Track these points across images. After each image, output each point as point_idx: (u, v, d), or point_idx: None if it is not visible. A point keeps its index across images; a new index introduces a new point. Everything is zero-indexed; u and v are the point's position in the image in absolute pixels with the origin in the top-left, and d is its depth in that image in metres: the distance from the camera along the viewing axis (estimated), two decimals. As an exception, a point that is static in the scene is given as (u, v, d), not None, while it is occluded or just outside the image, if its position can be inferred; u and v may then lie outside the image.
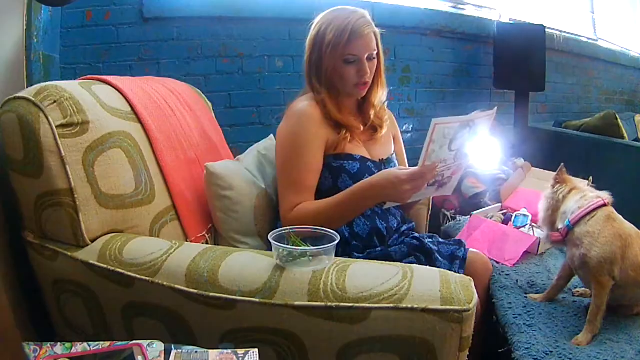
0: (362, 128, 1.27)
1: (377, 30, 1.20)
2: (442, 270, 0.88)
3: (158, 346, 0.72)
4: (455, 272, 0.98)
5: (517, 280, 1.25)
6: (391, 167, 1.27)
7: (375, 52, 1.19)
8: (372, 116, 1.28)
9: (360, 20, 1.15)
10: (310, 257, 0.86)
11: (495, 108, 1.06)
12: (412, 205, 1.44)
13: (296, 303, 0.80)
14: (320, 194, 1.18)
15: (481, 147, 1.12)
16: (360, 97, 1.25)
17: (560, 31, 3.19)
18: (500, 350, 1.05)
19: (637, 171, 2.27)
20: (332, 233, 0.91)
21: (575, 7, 3.59)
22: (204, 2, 1.91)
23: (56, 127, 0.87)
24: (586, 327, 1.01)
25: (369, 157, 1.24)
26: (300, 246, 0.87)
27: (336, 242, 0.88)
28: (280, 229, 0.92)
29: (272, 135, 1.42)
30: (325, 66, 1.18)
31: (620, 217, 1.07)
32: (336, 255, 0.89)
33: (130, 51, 1.83)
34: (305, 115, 1.17)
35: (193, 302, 0.84)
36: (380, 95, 1.29)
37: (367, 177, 1.16)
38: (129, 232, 0.98)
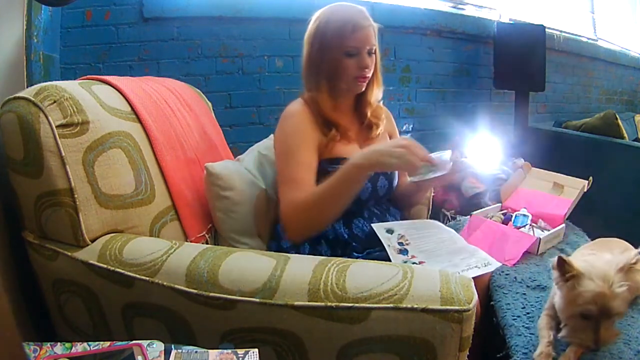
0: (356, 128, 1.27)
1: (376, 25, 1.21)
2: (442, 270, 0.88)
3: (158, 346, 0.72)
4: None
5: (516, 280, 1.25)
6: None
7: (374, 47, 1.20)
8: (368, 114, 1.29)
9: (359, 13, 1.18)
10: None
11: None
12: (416, 200, 1.43)
13: (296, 303, 0.80)
14: None
15: (481, 147, 1.12)
16: (360, 91, 1.24)
17: (560, 31, 3.19)
18: (498, 355, 1.05)
19: (637, 171, 2.27)
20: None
21: (575, 7, 3.59)
22: (204, 2, 1.91)
23: (56, 127, 0.87)
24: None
25: None
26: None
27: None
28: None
29: (272, 135, 1.42)
30: (327, 59, 1.18)
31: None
32: (336, 256, 0.89)
33: (130, 51, 1.83)
34: (294, 115, 1.19)
35: (193, 302, 0.84)
36: (377, 94, 1.30)
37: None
38: (129, 232, 0.98)
